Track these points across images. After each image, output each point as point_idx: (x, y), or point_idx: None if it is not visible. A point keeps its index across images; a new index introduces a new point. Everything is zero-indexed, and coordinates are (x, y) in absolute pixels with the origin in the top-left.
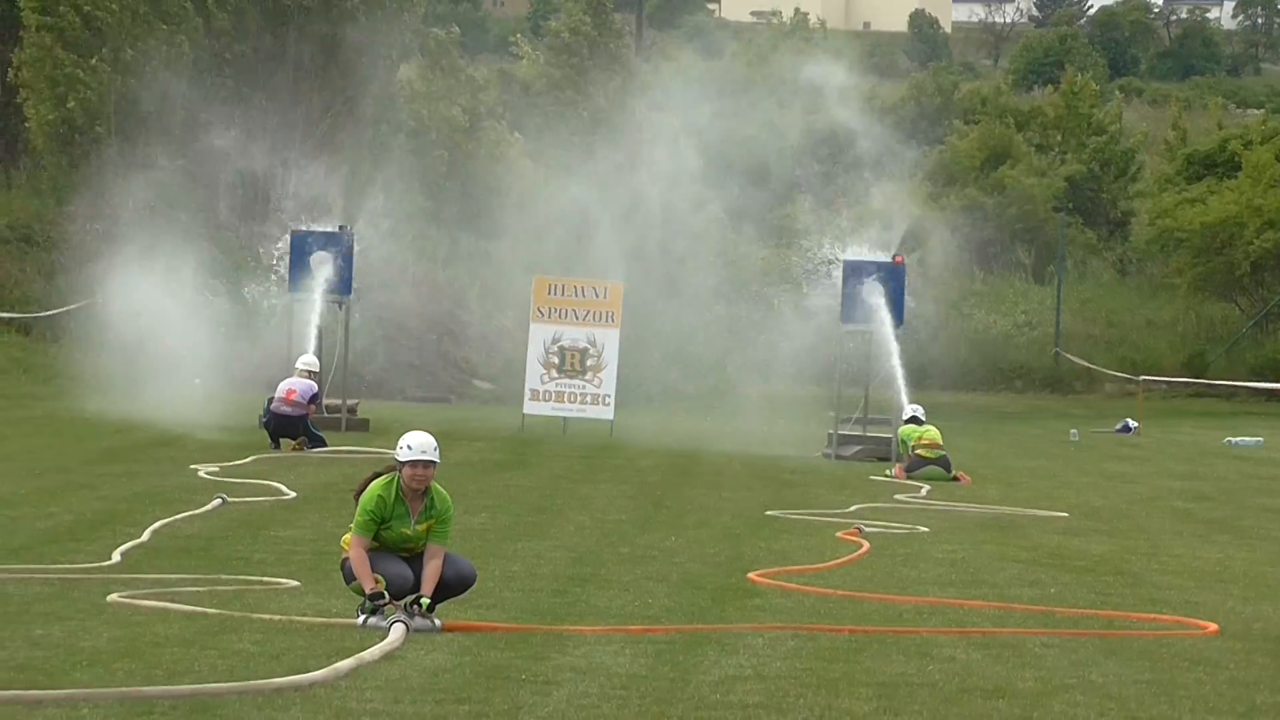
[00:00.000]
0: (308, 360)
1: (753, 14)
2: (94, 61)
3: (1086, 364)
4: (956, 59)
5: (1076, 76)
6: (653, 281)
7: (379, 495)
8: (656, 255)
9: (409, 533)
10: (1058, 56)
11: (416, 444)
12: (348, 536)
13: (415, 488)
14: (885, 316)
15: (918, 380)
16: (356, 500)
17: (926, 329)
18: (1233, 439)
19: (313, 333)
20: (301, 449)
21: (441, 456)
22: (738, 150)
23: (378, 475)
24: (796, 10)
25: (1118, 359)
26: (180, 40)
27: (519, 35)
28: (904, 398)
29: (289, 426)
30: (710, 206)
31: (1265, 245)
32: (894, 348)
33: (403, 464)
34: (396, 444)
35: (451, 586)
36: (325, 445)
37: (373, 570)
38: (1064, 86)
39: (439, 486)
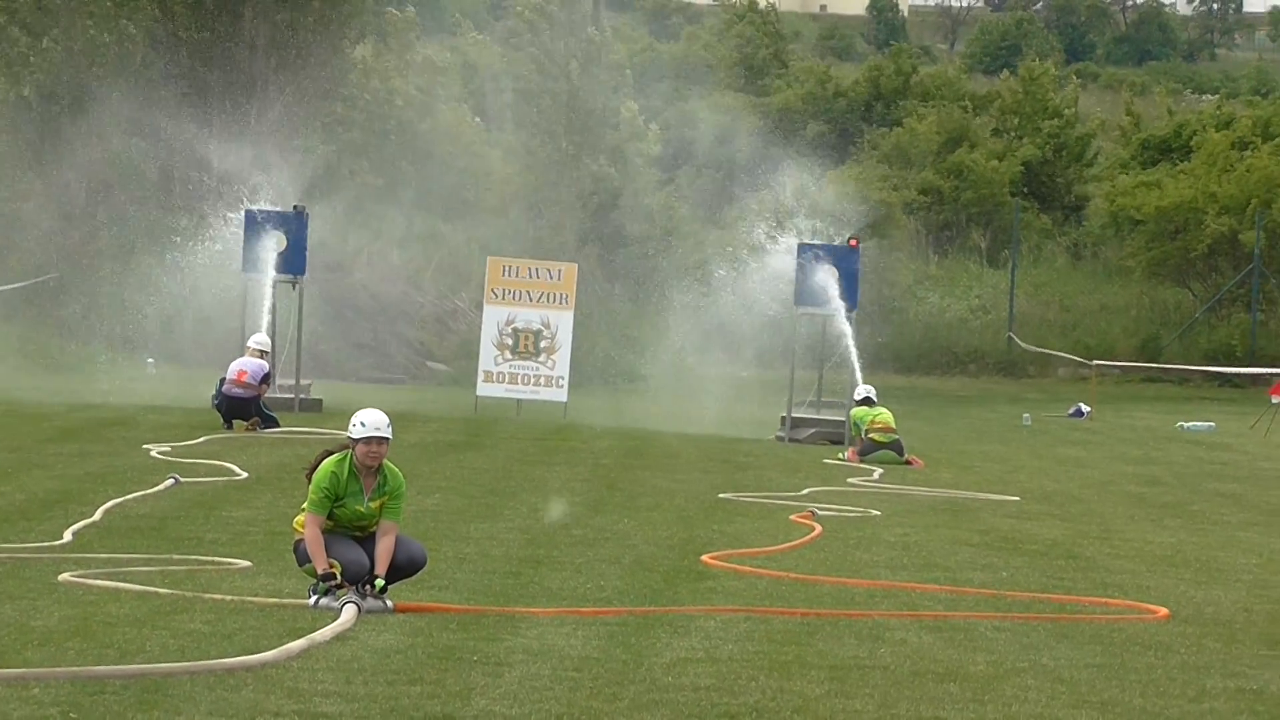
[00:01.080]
0: (260, 339)
1: None
2: (45, 43)
3: (1039, 349)
4: (913, 42)
5: (1034, 62)
6: (607, 263)
7: (332, 472)
8: (611, 236)
9: (362, 510)
10: (1014, 41)
11: (370, 421)
12: (300, 518)
13: (369, 464)
14: (838, 299)
15: (871, 364)
16: (308, 479)
17: (880, 312)
18: (1185, 424)
19: (265, 312)
20: (254, 429)
21: (395, 436)
22: (692, 133)
23: (329, 454)
24: None
25: (1071, 343)
26: (125, 24)
27: (465, 20)
28: (858, 379)
29: (241, 408)
30: (666, 188)
31: (1220, 229)
32: (847, 329)
33: (356, 441)
34: (348, 424)
35: (402, 569)
36: (278, 425)
37: (329, 556)
38: (1022, 72)
39: (391, 464)
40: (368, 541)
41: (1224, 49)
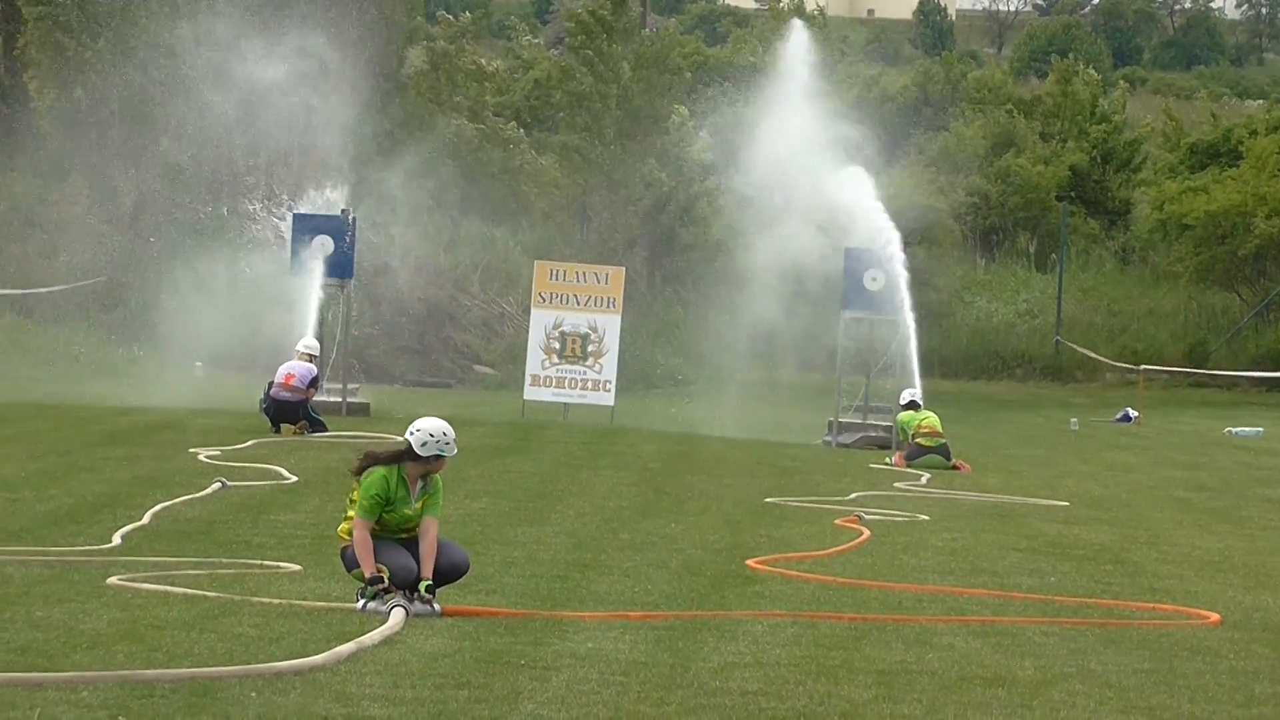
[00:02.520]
0: (308, 343)
1: (756, 1)
2: (99, 45)
3: (1087, 352)
4: (960, 47)
5: (1065, 62)
6: (655, 267)
7: (383, 476)
8: (660, 241)
9: (409, 513)
10: (1061, 45)
11: (438, 435)
12: (345, 525)
13: (429, 474)
14: (903, 301)
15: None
16: (356, 473)
17: (927, 317)
18: (1234, 429)
19: (313, 316)
20: (302, 433)
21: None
22: (742, 137)
23: (374, 455)
24: None
25: (1119, 348)
26: (176, 27)
27: (521, 24)
28: (916, 382)
29: (288, 412)
30: (715, 192)
31: (1270, 232)
32: (910, 333)
33: (421, 454)
34: (409, 428)
35: (445, 575)
36: (326, 429)
37: (378, 562)
38: (1054, 74)
39: None
40: (412, 544)
41: (1272, 53)
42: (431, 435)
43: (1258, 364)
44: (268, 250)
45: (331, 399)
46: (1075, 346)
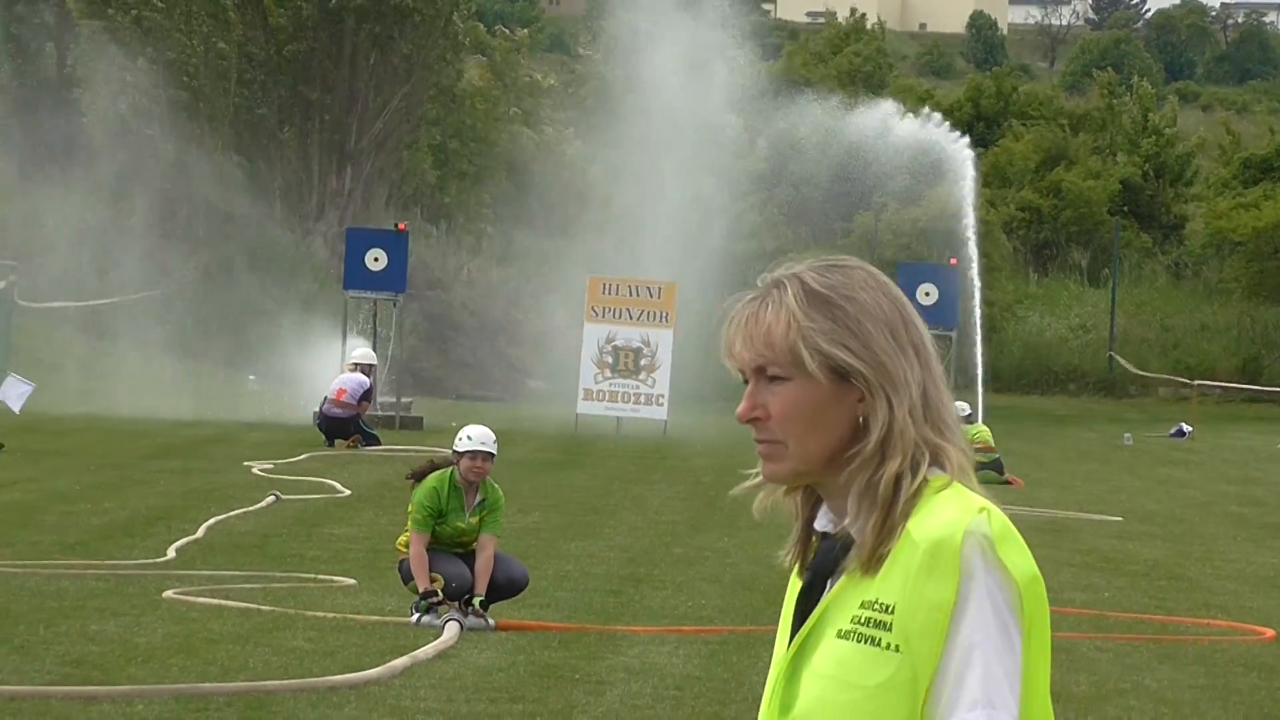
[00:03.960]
0: (364, 353)
1: (808, 14)
2: (140, 62)
3: (1137, 370)
4: (1012, 60)
5: (1107, 75)
6: (709, 281)
7: (433, 488)
8: (713, 254)
9: (463, 525)
10: (1114, 59)
11: (476, 435)
12: (403, 538)
13: (472, 479)
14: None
15: (970, 382)
16: (411, 483)
17: (980, 331)
18: None
19: (368, 330)
20: (355, 447)
21: (495, 453)
22: (795, 151)
23: (434, 465)
24: (853, 10)
25: (1172, 363)
26: (219, 45)
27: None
28: (979, 397)
29: (340, 427)
30: (767, 207)
31: None
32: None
33: (461, 455)
34: (454, 439)
35: (502, 589)
36: (379, 443)
37: (432, 570)
38: (1099, 89)
39: (492, 481)
40: (470, 557)
41: None
42: (470, 435)
43: None
44: (321, 263)
45: (385, 413)
46: (1125, 364)
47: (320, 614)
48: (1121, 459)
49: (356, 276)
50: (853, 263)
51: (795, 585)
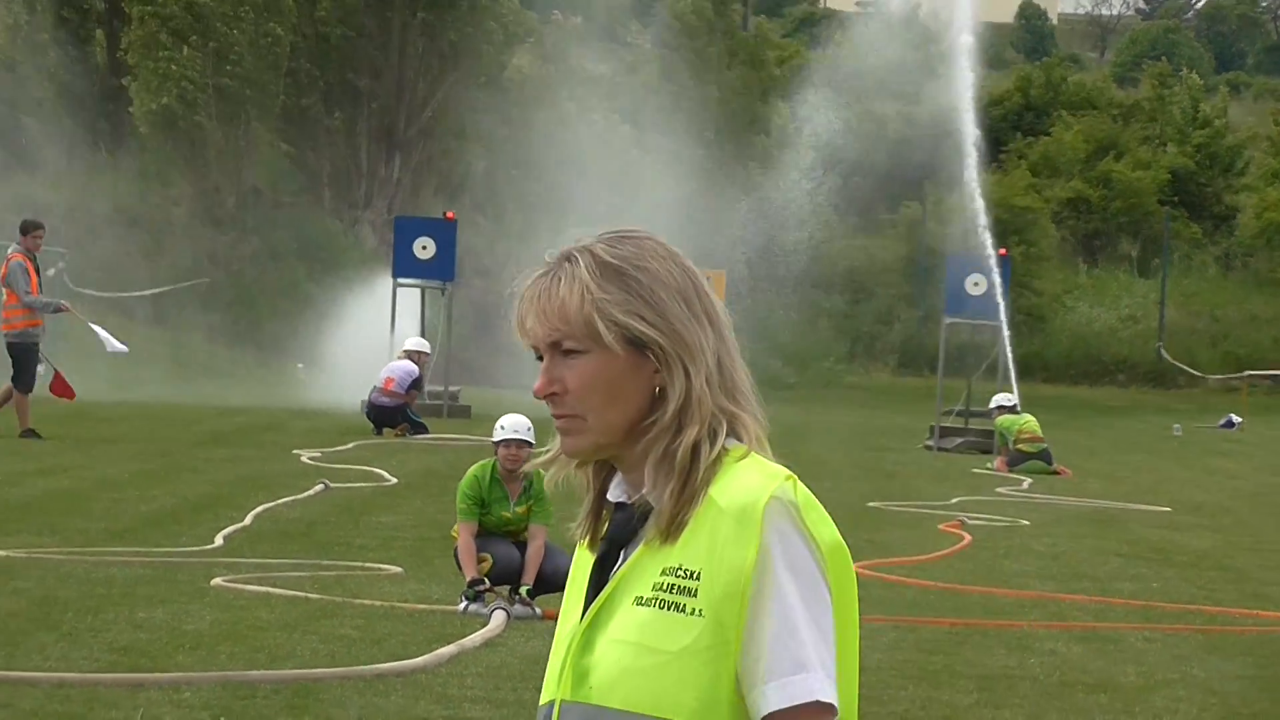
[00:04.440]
0: (417, 341)
1: (858, 4)
2: (185, 51)
3: (1184, 367)
4: (1062, 50)
5: (1159, 66)
6: (756, 270)
7: (475, 476)
8: (761, 244)
9: (509, 515)
10: (1163, 50)
11: (509, 424)
12: (456, 527)
13: (510, 468)
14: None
15: (1019, 373)
16: None
17: (1029, 321)
18: None
19: (417, 318)
20: (403, 435)
21: (539, 442)
22: (843, 140)
23: None
24: None
25: (1221, 354)
26: (272, 27)
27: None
28: (1014, 388)
29: (387, 416)
30: (816, 195)
31: None
32: (1006, 338)
33: (498, 444)
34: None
35: (548, 581)
36: (427, 431)
37: (480, 550)
38: (1149, 79)
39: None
40: (523, 546)
41: None
42: (503, 425)
43: None
44: (370, 251)
45: (433, 401)
46: (1172, 360)
47: (367, 602)
48: (1170, 449)
49: (405, 264)
50: (643, 233)
51: (586, 557)
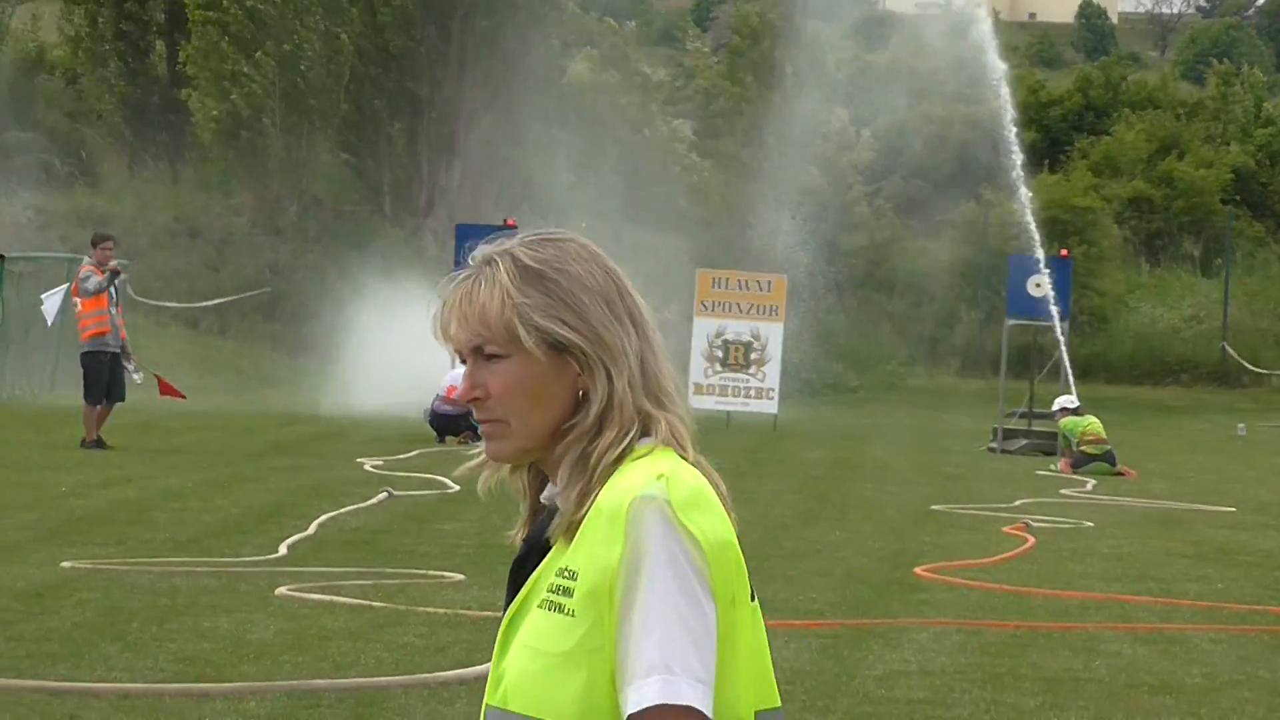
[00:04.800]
0: None
1: (916, 5)
2: (257, 55)
3: (1247, 364)
4: (1122, 49)
5: (1223, 65)
6: (817, 274)
7: None
8: (822, 247)
9: None
10: (1224, 48)
11: None
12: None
13: None
14: (1054, 310)
15: (1082, 373)
16: None
17: (1091, 321)
18: None
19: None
20: (466, 443)
21: None
22: (902, 141)
23: None
24: None
25: None
26: (339, 34)
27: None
28: (1072, 389)
29: (451, 424)
30: (876, 199)
31: None
32: (1061, 340)
33: None
34: None
35: None
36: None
37: None
38: (1214, 78)
39: None
40: None
41: None
42: None
43: None
44: (431, 259)
45: None
46: (1236, 356)
47: (431, 610)
48: (1235, 449)
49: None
50: (565, 235)
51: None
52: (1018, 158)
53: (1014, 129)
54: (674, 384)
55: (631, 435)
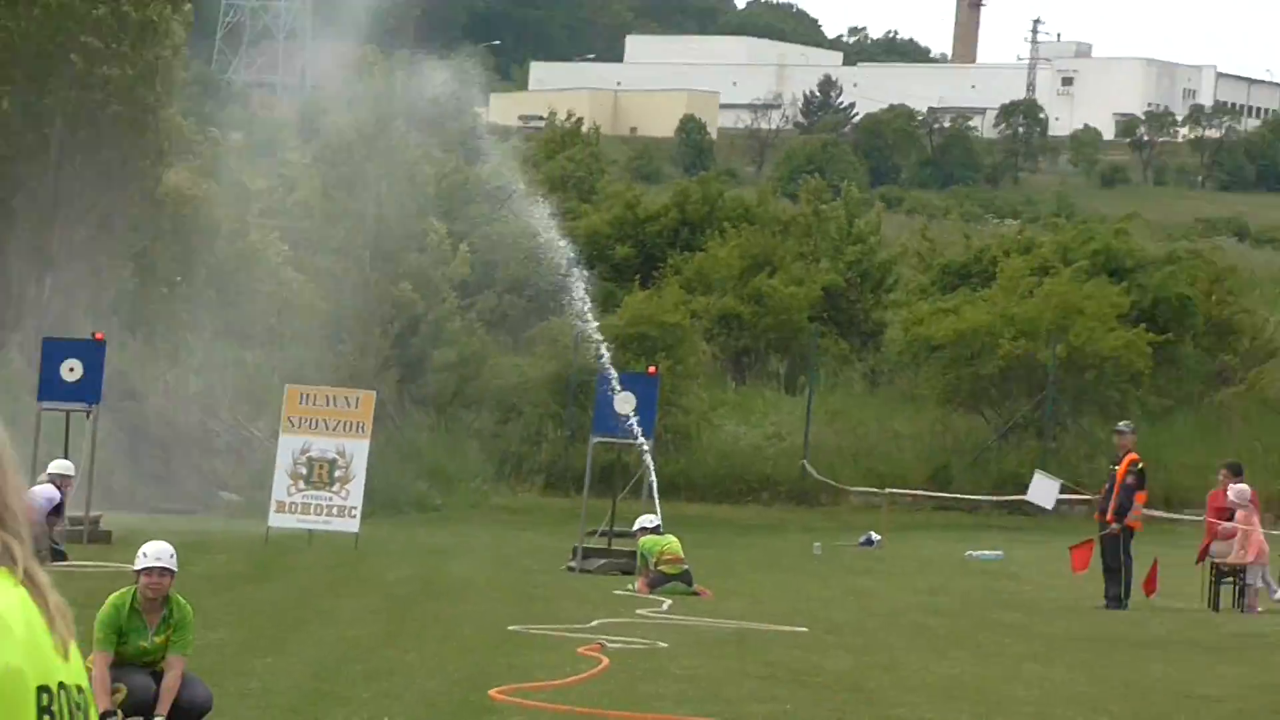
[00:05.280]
0: (61, 464)
1: (520, 118)
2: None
3: (827, 480)
4: (720, 165)
5: (814, 180)
6: (407, 390)
7: (115, 606)
8: (412, 363)
9: (146, 645)
10: (820, 164)
11: (152, 552)
12: (93, 657)
13: (151, 596)
14: (636, 428)
15: (665, 491)
16: None
17: (675, 439)
18: (973, 552)
19: (62, 442)
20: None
21: (180, 568)
22: (498, 256)
23: None
24: (569, 114)
25: (864, 471)
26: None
27: (288, 140)
28: (657, 510)
29: None
30: (469, 313)
31: (1015, 353)
32: (647, 458)
33: (139, 572)
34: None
35: (184, 713)
36: (66, 559)
37: (116, 680)
38: (805, 194)
39: (179, 596)
40: (159, 676)
41: (1027, 173)
42: (147, 553)
43: (999, 487)
44: (15, 374)
45: (74, 527)
46: (815, 473)
47: None
48: (812, 568)
49: (51, 388)
50: None
51: None
52: (583, 288)
53: (574, 268)
54: (20, 505)
55: None
